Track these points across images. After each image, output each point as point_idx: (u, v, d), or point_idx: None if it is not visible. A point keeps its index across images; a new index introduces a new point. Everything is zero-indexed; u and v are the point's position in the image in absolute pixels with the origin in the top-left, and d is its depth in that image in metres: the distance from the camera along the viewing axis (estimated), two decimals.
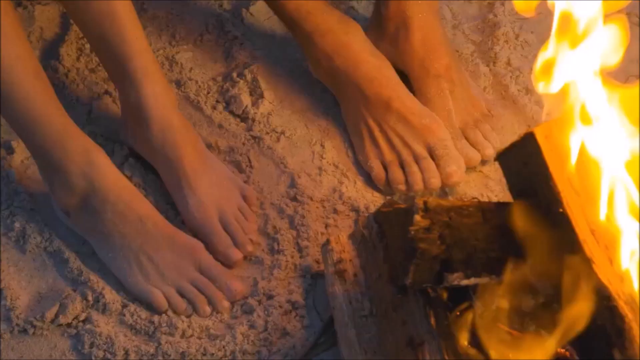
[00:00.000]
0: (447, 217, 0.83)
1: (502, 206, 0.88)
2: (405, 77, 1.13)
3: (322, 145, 1.11)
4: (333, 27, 1.10)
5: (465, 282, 0.84)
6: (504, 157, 0.86)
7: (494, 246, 0.85)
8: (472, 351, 0.85)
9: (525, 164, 0.83)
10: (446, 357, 0.82)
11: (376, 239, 0.89)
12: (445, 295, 0.89)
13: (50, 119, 0.95)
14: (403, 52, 1.13)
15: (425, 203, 0.82)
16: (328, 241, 0.98)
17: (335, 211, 1.04)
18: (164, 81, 1.03)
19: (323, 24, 1.10)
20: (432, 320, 0.84)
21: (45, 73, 0.97)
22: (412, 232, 0.80)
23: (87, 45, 1.19)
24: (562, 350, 0.89)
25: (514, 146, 0.84)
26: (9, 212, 1.04)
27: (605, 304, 0.79)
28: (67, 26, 1.22)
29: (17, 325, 0.94)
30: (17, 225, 1.02)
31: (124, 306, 0.96)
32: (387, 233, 0.86)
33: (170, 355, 0.92)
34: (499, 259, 0.85)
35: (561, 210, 0.80)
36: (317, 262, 0.99)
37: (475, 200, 1.01)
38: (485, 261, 0.84)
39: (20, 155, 1.09)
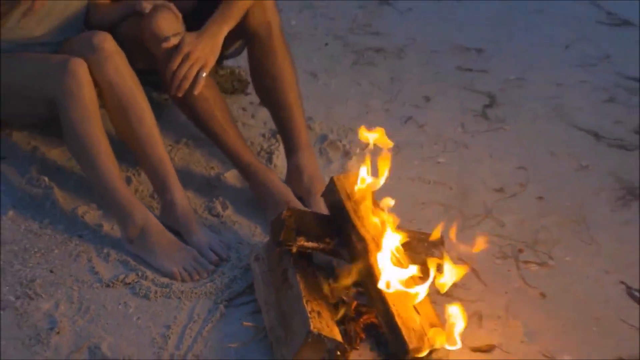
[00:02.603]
0: (299, 215, 2.17)
1: (324, 215, 2.22)
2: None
3: (256, 226, 2.47)
4: (262, 170, 2.52)
5: (306, 244, 2.14)
6: (324, 194, 2.23)
7: (321, 231, 2.17)
8: (312, 271, 2.12)
9: (332, 194, 2.19)
10: (298, 276, 2.09)
11: (270, 234, 2.21)
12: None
13: (125, 193, 2.33)
14: (299, 185, 2.54)
15: (289, 208, 2.17)
16: (253, 249, 2.30)
17: (261, 243, 2.36)
18: (182, 189, 2.42)
19: (257, 169, 2.52)
20: (292, 261, 2.13)
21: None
22: (282, 217, 2.14)
23: (140, 188, 2.60)
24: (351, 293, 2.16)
25: (327, 187, 2.22)
26: (101, 247, 2.36)
27: (361, 244, 2.09)
28: (130, 182, 2.64)
29: (105, 283, 2.22)
30: (104, 251, 2.34)
31: (154, 278, 2.24)
32: (274, 226, 2.18)
33: (175, 293, 2.18)
34: (323, 236, 2.16)
35: (345, 208, 2.14)
36: (249, 264, 2.29)
37: (313, 211, 2.34)
38: (316, 236, 2.15)
39: (106, 227, 2.43)
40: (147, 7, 2.55)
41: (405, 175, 2.72)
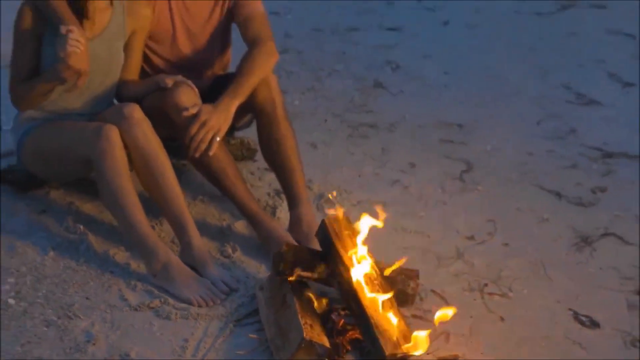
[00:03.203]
0: (296, 250, 2.67)
1: (317, 250, 2.72)
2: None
3: (261, 265, 2.96)
4: (267, 219, 3.04)
5: (302, 273, 2.63)
6: (317, 233, 2.73)
7: (314, 262, 2.66)
8: (311, 296, 2.60)
9: (323, 232, 2.69)
10: (295, 298, 2.57)
11: (272, 265, 2.69)
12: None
13: (151, 236, 2.83)
14: (299, 232, 3.04)
15: (286, 243, 2.67)
16: (258, 282, 2.79)
17: (265, 277, 2.84)
18: (198, 233, 2.93)
19: (262, 217, 3.04)
20: (290, 287, 2.61)
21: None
22: (282, 251, 2.63)
23: (162, 235, 3.10)
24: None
25: (319, 227, 2.72)
26: (129, 280, 2.84)
27: (347, 273, 2.58)
28: (153, 230, 3.14)
29: (133, 307, 2.70)
30: (132, 283, 2.82)
31: (174, 303, 2.72)
32: (275, 259, 2.67)
33: (192, 315, 2.66)
34: (316, 267, 2.65)
35: (333, 243, 2.64)
36: (254, 293, 2.77)
37: (307, 247, 2.82)
38: (310, 267, 2.64)
39: (133, 265, 2.92)
40: (169, 82, 3.11)
41: (391, 226, 3.20)
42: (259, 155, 3.53)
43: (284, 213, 3.26)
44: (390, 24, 5.78)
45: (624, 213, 3.38)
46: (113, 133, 2.90)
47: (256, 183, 3.51)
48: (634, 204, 3.45)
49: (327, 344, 2.44)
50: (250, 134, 3.58)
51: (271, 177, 3.42)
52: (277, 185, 3.31)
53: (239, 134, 3.66)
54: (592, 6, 6.33)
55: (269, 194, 3.43)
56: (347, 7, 6.12)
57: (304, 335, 2.40)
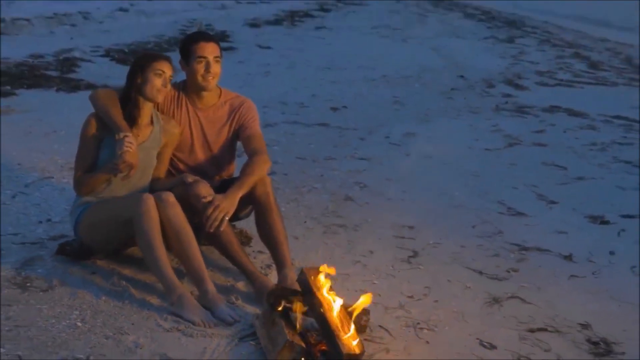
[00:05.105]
0: (282, 289, 4.07)
1: (298, 290, 4.13)
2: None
3: (256, 308, 4.34)
4: (262, 277, 4.44)
5: (287, 305, 4.03)
6: (297, 279, 4.14)
7: (296, 298, 4.06)
8: (292, 320, 3.99)
9: (302, 277, 4.10)
10: (282, 320, 3.95)
11: (265, 301, 4.09)
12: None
13: (173, 278, 4.22)
14: (284, 282, 4.46)
15: (276, 284, 4.08)
16: (254, 315, 4.18)
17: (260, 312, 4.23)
18: (212, 283, 4.33)
19: (259, 275, 4.44)
20: (278, 314, 4.00)
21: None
22: (273, 289, 4.04)
23: (179, 271, 4.49)
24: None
25: (299, 274, 4.14)
26: (162, 314, 4.20)
27: (319, 305, 3.99)
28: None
29: (166, 329, 4.05)
30: (164, 316, 4.17)
31: (187, 324, 4.09)
32: (267, 296, 4.06)
33: (208, 334, 4.02)
34: (297, 301, 4.05)
35: (310, 285, 4.05)
36: (252, 323, 4.14)
37: (291, 287, 4.22)
38: (292, 301, 4.04)
39: (165, 306, 4.30)
40: (190, 180, 4.60)
41: (352, 288, 4.62)
42: (253, 242, 4.99)
43: (272, 280, 4.67)
44: (362, 155, 7.37)
45: (528, 285, 4.81)
46: (150, 201, 4.34)
47: (251, 261, 4.93)
48: (538, 279, 4.89)
49: (303, 345, 3.81)
50: (247, 227, 5.04)
51: (263, 257, 4.86)
52: (268, 262, 4.74)
53: (239, 224, 5.11)
54: (534, 144, 7.99)
55: (261, 268, 4.84)
56: (326, 141, 7.75)
57: (287, 338, 3.78)
